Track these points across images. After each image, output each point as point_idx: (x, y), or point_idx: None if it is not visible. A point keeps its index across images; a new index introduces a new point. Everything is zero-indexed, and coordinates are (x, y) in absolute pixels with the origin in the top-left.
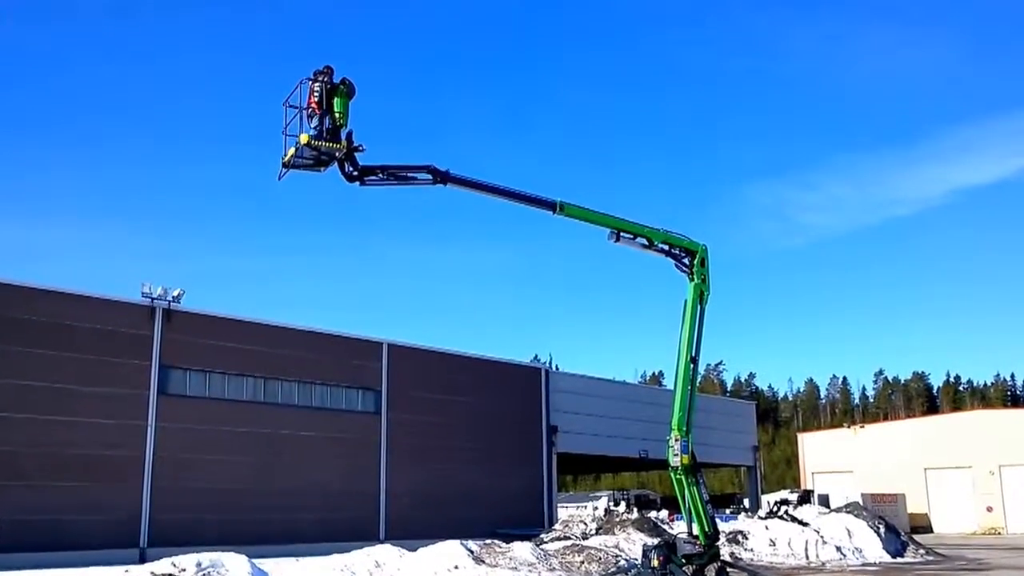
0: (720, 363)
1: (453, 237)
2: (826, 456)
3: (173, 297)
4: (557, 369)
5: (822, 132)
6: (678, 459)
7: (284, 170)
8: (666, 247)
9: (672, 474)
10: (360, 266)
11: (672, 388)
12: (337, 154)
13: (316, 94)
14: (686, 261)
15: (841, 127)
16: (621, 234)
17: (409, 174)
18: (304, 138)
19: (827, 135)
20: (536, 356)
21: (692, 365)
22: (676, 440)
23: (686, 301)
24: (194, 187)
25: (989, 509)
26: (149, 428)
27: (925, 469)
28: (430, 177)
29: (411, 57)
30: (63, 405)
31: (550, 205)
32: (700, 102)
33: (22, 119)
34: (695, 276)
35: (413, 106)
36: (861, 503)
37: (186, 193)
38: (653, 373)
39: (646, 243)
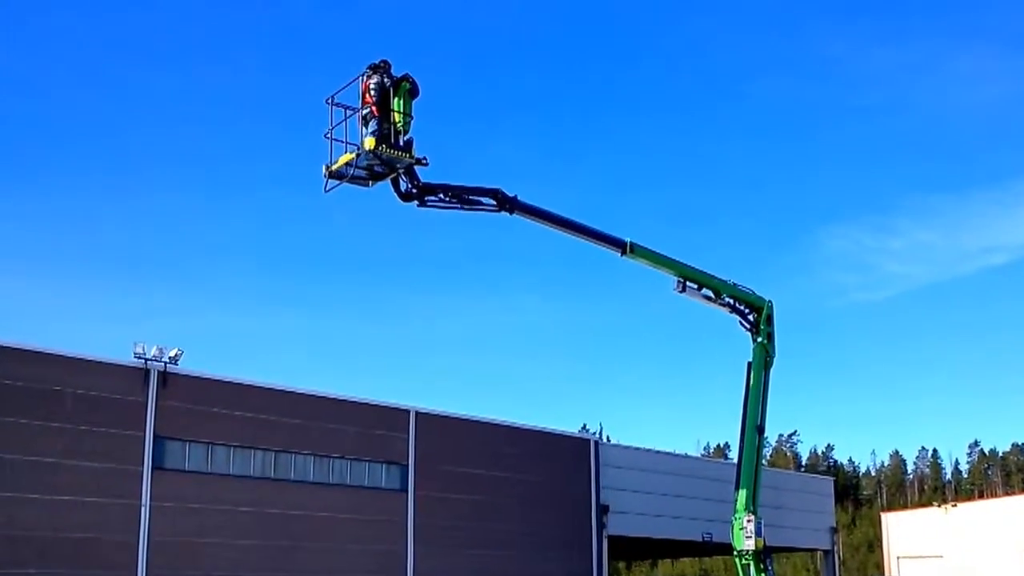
0: (794, 433)
1: (490, 288)
2: (913, 539)
3: (170, 358)
4: (608, 441)
5: (905, 171)
6: (752, 542)
7: (334, 182)
8: (731, 302)
9: (737, 560)
10: (382, 322)
11: (737, 462)
12: (399, 166)
13: (373, 92)
14: (751, 318)
15: (926, 165)
16: (687, 284)
17: (473, 197)
18: (370, 142)
19: (910, 174)
20: (585, 426)
21: (758, 435)
22: (748, 521)
23: (750, 363)
24: (191, 230)
25: None
26: (143, 508)
27: None
28: (494, 203)
29: (455, 77)
30: (43, 481)
31: (619, 244)
32: (769, 135)
33: None
34: (760, 334)
35: (454, 131)
36: None
37: (182, 238)
38: (718, 445)
39: (711, 296)
